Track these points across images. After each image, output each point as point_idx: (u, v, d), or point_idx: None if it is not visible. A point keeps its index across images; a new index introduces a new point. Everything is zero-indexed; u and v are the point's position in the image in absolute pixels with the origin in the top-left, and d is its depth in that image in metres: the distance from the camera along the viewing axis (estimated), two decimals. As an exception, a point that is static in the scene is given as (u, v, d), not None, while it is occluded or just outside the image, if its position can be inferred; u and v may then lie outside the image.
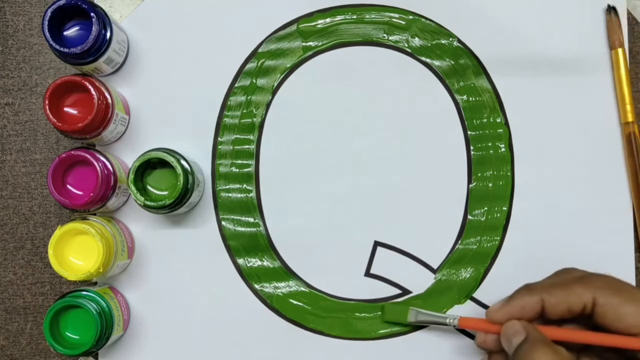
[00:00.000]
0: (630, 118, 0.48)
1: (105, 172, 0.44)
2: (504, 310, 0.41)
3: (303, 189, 0.49)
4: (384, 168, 0.48)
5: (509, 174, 0.48)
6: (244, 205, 0.48)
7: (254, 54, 0.49)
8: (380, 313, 0.48)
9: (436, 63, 0.49)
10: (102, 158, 0.45)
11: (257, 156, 0.49)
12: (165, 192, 0.46)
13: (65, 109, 0.45)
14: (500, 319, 0.41)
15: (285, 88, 0.49)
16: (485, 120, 0.49)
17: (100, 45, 0.44)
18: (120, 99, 0.47)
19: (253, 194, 0.49)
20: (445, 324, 0.45)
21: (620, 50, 0.48)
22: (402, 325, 0.47)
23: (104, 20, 0.44)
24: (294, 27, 0.49)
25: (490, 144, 0.49)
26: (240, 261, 0.48)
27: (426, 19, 0.49)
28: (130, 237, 0.48)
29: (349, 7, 0.49)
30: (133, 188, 0.44)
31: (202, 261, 0.48)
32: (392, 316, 0.47)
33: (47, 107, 0.43)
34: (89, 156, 0.44)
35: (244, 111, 0.49)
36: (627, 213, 0.48)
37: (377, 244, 0.48)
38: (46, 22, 0.43)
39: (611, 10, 0.48)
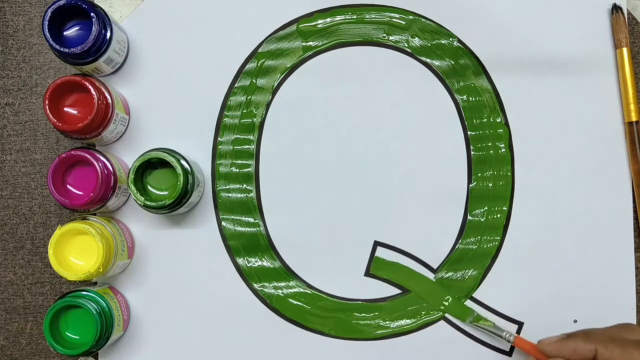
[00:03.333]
0: (634, 118, 0.48)
1: (105, 172, 0.44)
2: (556, 346, 0.41)
3: (303, 189, 0.48)
4: (384, 168, 0.48)
5: (509, 174, 0.48)
6: (244, 205, 0.48)
7: (254, 54, 0.49)
8: (378, 313, 0.48)
9: (436, 63, 0.49)
10: (102, 158, 0.45)
11: (257, 156, 0.49)
12: (165, 192, 0.46)
13: (65, 109, 0.45)
14: (550, 353, 0.41)
15: (285, 88, 0.49)
16: (485, 120, 0.49)
17: (100, 45, 0.44)
18: (120, 99, 0.47)
19: (253, 194, 0.49)
20: (501, 337, 0.46)
21: (625, 49, 0.48)
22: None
23: (104, 20, 0.44)
24: (294, 27, 0.49)
25: (490, 144, 0.49)
26: (240, 261, 0.48)
27: (426, 19, 0.49)
28: (130, 237, 0.48)
29: (349, 7, 0.49)
30: (133, 188, 0.44)
31: (202, 261, 0.48)
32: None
33: (47, 107, 0.43)
34: (89, 156, 0.44)
35: (244, 111, 0.49)
36: (627, 213, 0.48)
37: (377, 244, 0.48)
38: (46, 22, 0.43)
39: (616, 9, 0.48)
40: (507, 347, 0.47)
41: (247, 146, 0.49)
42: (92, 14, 0.43)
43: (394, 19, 0.49)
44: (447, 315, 0.48)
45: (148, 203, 0.44)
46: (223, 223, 0.48)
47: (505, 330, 0.46)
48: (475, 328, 0.47)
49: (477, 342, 0.48)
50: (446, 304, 0.48)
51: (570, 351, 0.40)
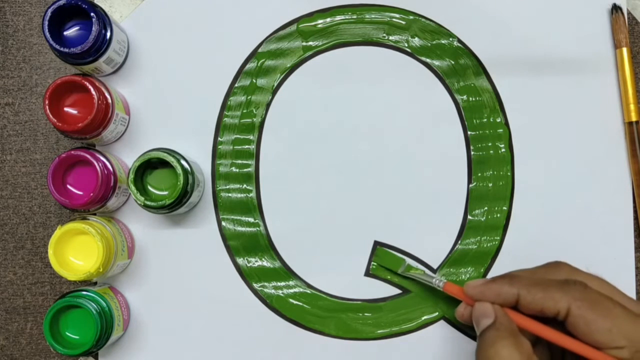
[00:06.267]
0: (634, 117, 0.48)
1: (105, 172, 0.44)
2: (480, 289, 0.41)
3: (303, 189, 0.48)
4: (384, 168, 0.48)
5: (509, 174, 0.48)
6: (244, 205, 0.48)
7: (254, 54, 0.49)
8: (378, 313, 0.48)
9: (436, 63, 0.49)
10: (102, 158, 0.45)
11: (257, 156, 0.49)
12: (165, 192, 0.46)
13: (65, 109, 0.45)
14: (474, 296, 0.41)
15: (285, 88, 0.49)
16: (485, 120, 0.49)
17: (100, 45, 0.44)
18: (120, 99, 0.47)
19: (253, 194, 0.49)
20: (431, 284, 0.45)
21: (625, 49, 0.48)
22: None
23: (104, 20, 0.44)
24: (294, 27, 0.49)
25: (490, 144, 0.49)
26: (240, 261, 0.48)
27: (426, 19, 0.49)
28: (130, 237, 0.48)
29: (349, 7, 0.49)
30: (133, 188, 0.44)
31: (202, 261, 0.48)
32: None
33: (47, 107, 0.43)
34: (89, 156, 0.44)
35: (244, 111, 0.49)
36: (627, 213, 0.48)
37: (377, 244, 0.48)
38: (46, 22, 0.43)
39: (616, 9, 0.48)
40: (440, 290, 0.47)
41: (247, 146, 0.49)
42: (92, 14, 0.43)
43: (394, 19, 0.49)
44: (376, 266, 0.48)
45: (148, 203, 0.44)
46: (223, 223, 0.48)
47: (435, 277, 0.45)
48: (407, 275, 0.47)
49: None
50: (378, 258, 0.48)
51: (493, 294, 0.40)
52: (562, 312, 0.38)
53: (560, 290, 0.38)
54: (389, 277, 0.48)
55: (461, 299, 0.43)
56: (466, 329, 0.48)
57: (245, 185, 0.49)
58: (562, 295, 0.38)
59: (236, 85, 0.49)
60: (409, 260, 0.47)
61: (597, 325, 0.37)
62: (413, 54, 0.49)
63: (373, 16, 0.49)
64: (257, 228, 0.48)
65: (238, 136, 0.49)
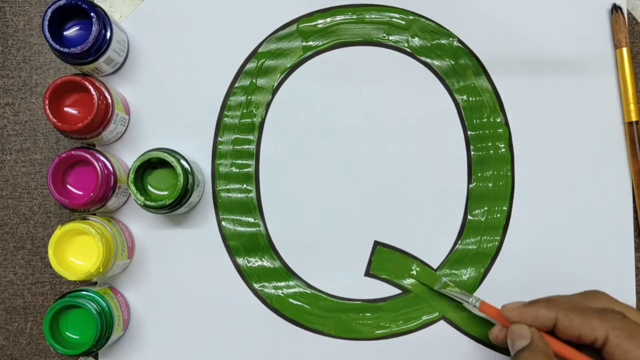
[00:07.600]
0: (634, 118, 0.48)
1: (105, 172, 0.44)
2: (517, 312, 0.41)
3: (303, 189, 0.48)
4: (384, 168, 0.48)
5: (509, 174, 0.48)
6: (244, 205, 0.48)
7: (254, 54, 0.49)
8: (378, 313, 0.48)
9: (436, 63, 0.49)
10: (102, 158, 0.45)
11: (257, 156, 0.49)
12: (165, 192, 0.46)
13: (65, 109, 0.45)
14: (511, 318, 0.41)
15: (285, 88, 0.49)
16: (485, 120, 0.49)
17: (100, 45, 0.44)
18: (120, 99, 0.47)
19: (253, 194, 0.49)
20: (467, 303, 0.45)
21: (625, 49, 0.48)
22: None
23: (104, 20, 0.44)
24: (294, 27, 0.49)
25: (490, 144, 0.49)
26: (240, 261, 0.48)
27: (426, 19, 0.49)
28: (130, 237, 0.48)
29: (349, 7, 0.49)
30: (133, 188, 0.44)
31: (202, 261, 0.48)
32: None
33: (47, 107, 0.43)
34: (89, 156, 0.44)
35: (244, 111, 0.49)
36: (627, 213, 0.48)
37: (377, 244, 0.48)
38: (46, 22, 0.43)
39: (616, 9, 0.48)
40: (476, 311, 0.47)
41: (247, 146, 0.49)
42: (92, 14, 0.43)
43: (394, 19, 0.49)
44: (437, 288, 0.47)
45: (148, 203, 0.44)
46: (223, 223, 0.48)
47: (472, 296, 0.45)
48: (443, 293, 0.47)
49: (477, 342, 0.48)
50: (414, 272, 0.48)
51: (531, 318, 0.40)
52: (600, 339, 0.37)
53: (599, 317, 0.38)
54: (390, 277, 0.48)
55: (498, 320, 0.43)
56: (466, 329, 0.48)
57: (245, 185, 0.49)
58: (600, 323, 0.38)
59: (236, 85, 0.49)
60: (445, 278, 0.48)
61: (635, 355, 0.36)
62: (413, 54, 0.49)
63: (373, 16, 0.49)
64: (257, 228, 0.48)
65: (238, 136, 0.49)
